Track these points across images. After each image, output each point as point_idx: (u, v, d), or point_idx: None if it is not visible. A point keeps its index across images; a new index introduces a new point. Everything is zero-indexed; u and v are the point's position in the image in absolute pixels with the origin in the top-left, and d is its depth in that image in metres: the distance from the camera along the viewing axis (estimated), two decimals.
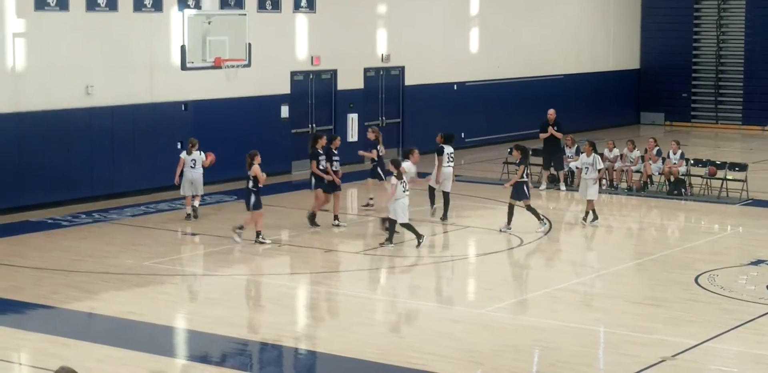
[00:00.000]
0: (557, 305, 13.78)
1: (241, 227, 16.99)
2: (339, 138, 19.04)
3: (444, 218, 18.64)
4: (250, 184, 16.92)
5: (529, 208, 17.83)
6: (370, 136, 19.67)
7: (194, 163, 19.03)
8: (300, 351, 12.07)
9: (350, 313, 13.47)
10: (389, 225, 16.73)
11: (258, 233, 16.88)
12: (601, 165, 18.99)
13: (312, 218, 18.07)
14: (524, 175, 17.81)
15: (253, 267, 15.77)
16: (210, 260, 16.40)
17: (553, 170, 22.54)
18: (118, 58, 20.85)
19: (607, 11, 33.39)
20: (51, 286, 14.33)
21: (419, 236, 16.56)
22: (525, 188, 17.75)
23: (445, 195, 18.73)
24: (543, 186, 22.30)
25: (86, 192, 20.33)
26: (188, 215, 18.92)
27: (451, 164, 18.88)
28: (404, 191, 16.53)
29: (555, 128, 22.47)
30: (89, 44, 20.39)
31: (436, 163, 18.83)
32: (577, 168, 19.75)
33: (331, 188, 18.19)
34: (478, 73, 28.86)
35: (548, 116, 22.75)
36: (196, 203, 19.13)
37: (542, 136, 22.59)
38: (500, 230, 17.77)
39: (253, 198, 16.87)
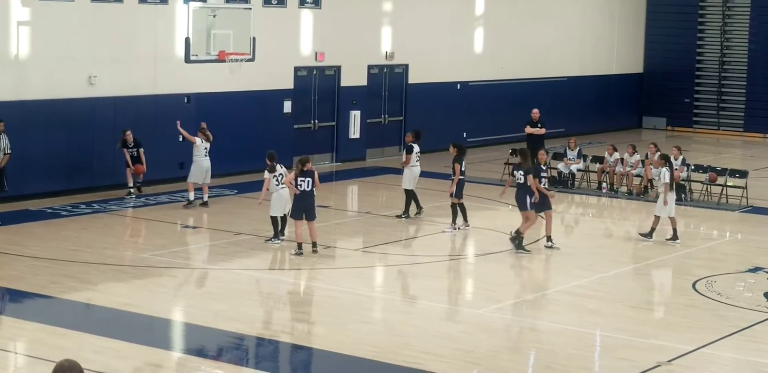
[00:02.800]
0: (555, 307, 13.78)
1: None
2: (544, 152, 17.81)
3: (406, 214, 18.68)
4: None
5: (453, 206, 17.80)
6: (127, 138, 19.89)
7: (206, 151, 19.18)
8: (296, 347, 12.06)
9: (348, 310, 13.47)
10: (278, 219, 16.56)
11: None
12: (666, 179, 17.20)
13: (519, 241, 16.49)
14: (461, 173, 17.74)
15: (251, 262, 15.76)
16: (209, 253, 16.39)
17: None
18: (122, 49, 20.84)
19: (611, 15, 33.38)
20: (49, 276, 14.32)
21: (276, 235, 16.44)
22: (455, 186, 17.73)
23: (410, 193, 18.72)
24: None
25: (86, 182, 20.31)
26: (189, 201, 19.14)
27: (419, 163, 18.87)
28: (278, 185, 16.39)
29: (539, 126, 22.79)
30: (93, 35, 20.37)
31: (404, 161, 18.75)
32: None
33: (541, 207, 16.82)
34: (481, 73, 28.86)
35: (532, 115, 23.22)
36: (206, 197, 19.34)
37: (527, 130, 23.27)
38: (456, 229, 17.74)
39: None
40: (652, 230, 17.44)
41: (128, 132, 19.99)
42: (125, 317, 12.72)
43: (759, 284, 15.08)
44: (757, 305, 13.92)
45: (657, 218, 17.42)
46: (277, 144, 23.48)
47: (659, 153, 19.09)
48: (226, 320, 12.55)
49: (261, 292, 14.31)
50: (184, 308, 13.51)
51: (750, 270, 15.94)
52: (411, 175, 18.67)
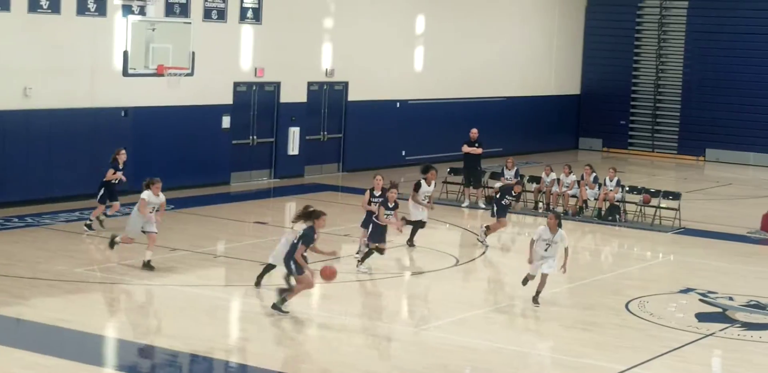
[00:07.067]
0: (491, 326, 13.85)
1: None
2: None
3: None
4: None
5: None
6: (120, 157, 18.21)
7: None
8: (231, 365, 11.97)
9: (283, 328, 13.40)
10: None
11: None
12: (566, 243, 14.94)
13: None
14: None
15: (187, 278, 15.62)
16: (144, 269, 16.20)
17: (472, 189, 23.04)
18: (59, 61, 20.61)
19: (550, 37, 33.77)
20: None
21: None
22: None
23: None
24: (465, 203, 22.95)
25: (20, 196, 20.00)
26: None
27: None
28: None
29: (477, 145, 23.16)
30: (29, 46, 20.13)
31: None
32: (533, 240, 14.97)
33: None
34: (421, 91, 29.00)
35: (471, 135, 23.48)
36: None
37: (464, 149, 23.40)
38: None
39: None
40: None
41: (122, 151, 18.16)
42: (57, 332, 12.52)
43: (690, 305, 15.28)
44: (688, 326, 14.10)
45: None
46: (215, 159, 23.46)
47: (552, 212, 17.48)
48: (160, 337, 12.42)
49: (196, 308, 14.17)
50: (118, 323, 13.34)
51: (682, 291, 16.16)
52: None
